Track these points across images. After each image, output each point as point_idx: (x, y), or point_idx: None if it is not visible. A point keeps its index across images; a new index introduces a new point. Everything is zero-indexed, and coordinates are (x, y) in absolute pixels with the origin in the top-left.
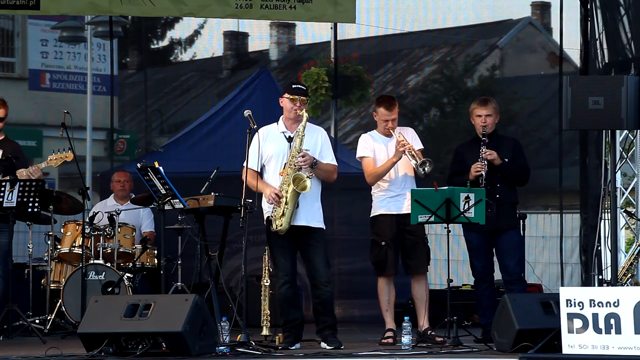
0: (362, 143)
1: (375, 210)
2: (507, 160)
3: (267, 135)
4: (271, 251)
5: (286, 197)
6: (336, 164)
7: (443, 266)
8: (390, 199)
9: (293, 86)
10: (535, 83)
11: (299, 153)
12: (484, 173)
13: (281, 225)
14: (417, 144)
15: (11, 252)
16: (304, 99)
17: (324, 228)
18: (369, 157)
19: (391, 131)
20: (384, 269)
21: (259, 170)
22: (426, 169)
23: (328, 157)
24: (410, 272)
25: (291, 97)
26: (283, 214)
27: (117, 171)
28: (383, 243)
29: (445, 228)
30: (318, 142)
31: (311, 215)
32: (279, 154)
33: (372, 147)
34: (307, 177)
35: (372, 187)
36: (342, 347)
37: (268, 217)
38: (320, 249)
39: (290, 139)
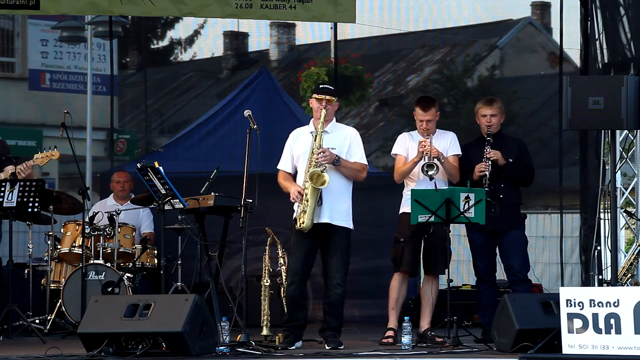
0: (397, 141)
1: (401, 208)
2: (511, 160)
3: (298, 136)
4: (291, 249)
5: (306, 194)
6: (365, 163)
7: None
8: None
9: (320, 86)
10: (535, 83)
11: (318, 149)
12: (487, 173)
13: (303, 223)
14: (454, 150)
15: (11, 252)
16: (331, 99)
17: (350, 228)
18: (401, 155)
19: (425, 132)
20: (399, 264)
21: (293, 172)
22: (430, 172)
23: (357, 156)
24: (427, 272)
25: (318, 96)
26: (304, 211)
27: (117, 171)
28: (402, 240)
29: (445, 228)
30: (347, 141)
31: (336, 213)
32: (305, 153)
33: (407, 146)
34: (322, 171)
35: (405, 186)
36: (341, 347)
37: (295, 217)
38: (338, 250)
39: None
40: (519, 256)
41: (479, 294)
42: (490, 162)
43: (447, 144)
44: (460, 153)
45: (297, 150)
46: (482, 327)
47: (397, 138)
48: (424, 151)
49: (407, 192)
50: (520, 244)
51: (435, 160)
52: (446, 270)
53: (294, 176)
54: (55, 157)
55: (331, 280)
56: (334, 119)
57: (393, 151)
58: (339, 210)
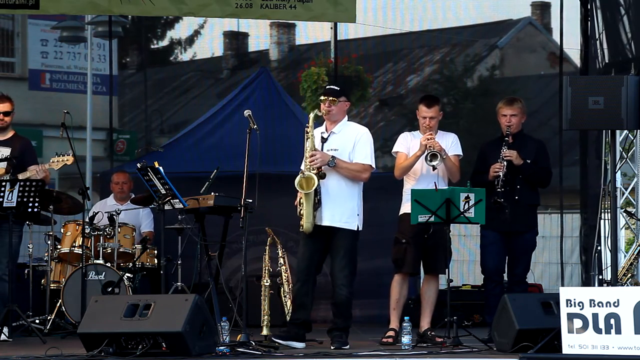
0: (399, 139)
1: (402, 209)
2: (529, 161)
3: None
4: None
5: (301, 199)
6: (367, 163)
7: None
8: None
9: (326, 87)
10: (535, 83)
11: (309, 153)
12: (501, 174)
13: (303, 226)
14: (455, 150)
15: (17, 253)
16: (334, 99)
17: (354, 229)
18: (402, 153)
19: (427, 130)
20: (401, 265)
21: None
22: (434, 162)
23: (360, 157)
24: (427, 271)
25: (322, 98)
26: (302, 215)
27: (116, 172)
28: (404, 241)
29: (445, 228)
30: (351, 141)
31: (337, 215)
32: None
33: (409, 145)
34: (307, 175)
35: (404, 185)
36: (346, 347)
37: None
38: (341, 250)
39: (323, 139)
40: (524, 261)
41: (485, 293)
42: (505, 163)
43: (448, 144)
44: (462, 154)
45: None
46: (490, 325)
47: (399, 137)
48: (427, 144)
49: (407, 191)
50: (529, 250)
51: (440, 152)
52: (446, 269)
53: None
54: (69, 163)
55: (335, 281)
56: (345, 118)
57: (394, 149)
58: (340, 211)
